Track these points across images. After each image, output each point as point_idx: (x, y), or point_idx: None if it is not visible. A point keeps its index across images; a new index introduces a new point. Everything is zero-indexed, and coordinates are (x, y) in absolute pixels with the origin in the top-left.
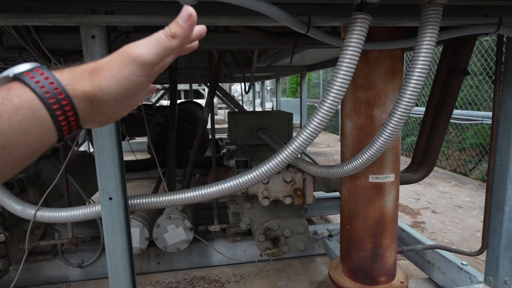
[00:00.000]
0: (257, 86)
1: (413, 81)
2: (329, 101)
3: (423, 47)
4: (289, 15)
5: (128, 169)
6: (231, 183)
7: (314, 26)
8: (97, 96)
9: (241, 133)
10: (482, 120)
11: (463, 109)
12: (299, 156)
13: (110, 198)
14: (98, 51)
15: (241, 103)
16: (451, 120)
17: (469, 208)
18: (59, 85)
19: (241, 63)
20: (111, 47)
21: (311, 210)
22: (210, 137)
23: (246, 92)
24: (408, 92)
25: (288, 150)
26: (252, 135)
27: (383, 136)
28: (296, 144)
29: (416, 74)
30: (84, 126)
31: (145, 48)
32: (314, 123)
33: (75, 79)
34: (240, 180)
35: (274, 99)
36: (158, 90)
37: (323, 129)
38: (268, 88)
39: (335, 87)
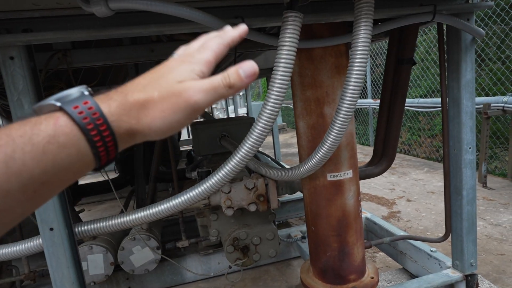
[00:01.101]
0: None
1: (354, 75)
2: (271, 102)
3: (359, 41)
4: (218, 20)
5: (94, 191)
6: (184, 197)
7: (252, 29)
8: (143, 133)
9: (204, 143)
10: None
11: (429, 97)
12: (260, 161)
13: (51, 229)
14: (19, 73)
15: (212, 112)
16: (419, 109)
17: (441, 192)
18: (106, 122)
19: None
20: (36, 67)
21: (287, 212)
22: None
23: None
24: (351, 87)
25: (239, 155)
26: (215, 144)
27: (333, 132)
28: (246, 147)
29: (355, 68)
30: None
31: (202, 95)
32: (260, 125)
33: (122, 115)
34: (196, 191)
35: (246, 104)
36: None
37: (269, 129)
38: (240, 93)
39: (275, 88)
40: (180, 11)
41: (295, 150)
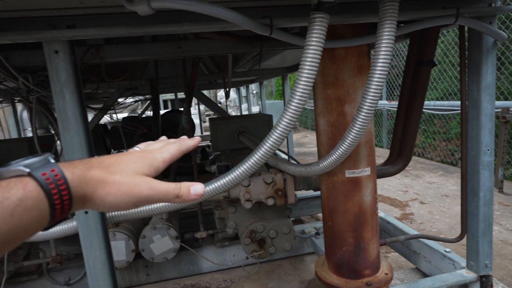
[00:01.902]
0: (243, 90)
1: (376, 76)
2: (295, 100)
3: (383, 42)
4: (249, 19)
5: None
6: (208, 188)
7: (279, 28)
8: (95, 203)
9: (222, 138)
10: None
11: (446, 100)
12: (279, 156)
13: (86, 212)
14: (63, 66)
15: (227, 109)
16: (435, 112)
17: (456, 196)
18: (68, 188)
19: (223, 68)
20: (77, 60)
21: (300, 209)
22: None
23: (226, 98)
24: (373, 87)
25: (261, 151)
26: (233, 140)
27: (353, 131)
28: (268, 144)
29: (378, 68)
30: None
31: (153, 193)
32: (284, 122)
33: (81, 183)
34: (216, 184)
35: (260, 102)
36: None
37: (292, 128)
38: (254, 92)
39: (300, 86)
40: (216, 11)
41: (307, 149)
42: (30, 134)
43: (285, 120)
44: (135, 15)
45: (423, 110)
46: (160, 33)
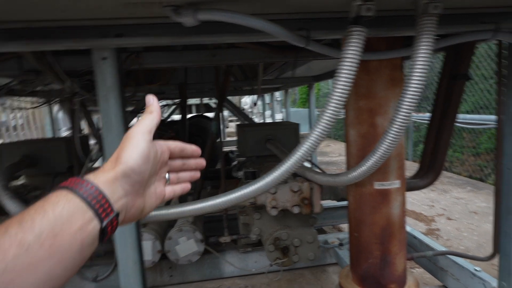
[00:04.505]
0: (267, 98)
1: (411, 89)
2: (330, 111)
3: (419, 56)
4: (287, 31)
5: None
6: (238, 193)
7: (314, 40)
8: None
9: (250, 145)
10: (495, 124)
11: (476, 114)
12: (307, 165)
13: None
14: (109, 71)
15: (251, 115)
16: (464, 125)
17: (486, 214)
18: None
19: (249, 76)
20: (121, 67)
21: (323, 219)
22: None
23: (254, 105)
24: (407, 100)
25: (292, 159)
26: (261, 146)
27: (385, 143)
28: (300, 153)
29: (413, 82)
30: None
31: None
32: (317, 132)
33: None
34: (246, 190)
35: (284, 110)
36: (169, 105)
37: (325, 137)
38: (278, 99)
39: (335, 97)
40: (257, 23)
41: (330, 158)
42: (63, 134)
43: (318, 130)
44: (179, 25)
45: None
46: (203, 42)
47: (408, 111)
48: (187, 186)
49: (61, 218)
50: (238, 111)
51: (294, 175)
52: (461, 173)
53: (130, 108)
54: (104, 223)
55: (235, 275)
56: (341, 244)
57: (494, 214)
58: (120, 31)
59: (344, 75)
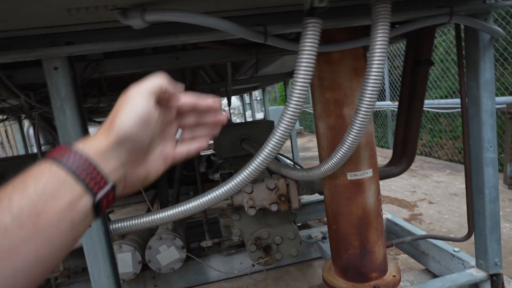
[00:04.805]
0: (247, 97)
1: (372, 77)
2: (293, 104)
3: (377, 44)
4: (243, 28)
5: None
6: (210, 196)
7: (273, 35)
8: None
9: (225, 146)
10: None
11: (450, 98)
12: (281, 162)
13: (89, 225)
14: (62, 82)
15: (231, 117)
16: (440, 110)
17: (465, 195)
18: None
19: (225, 77)
20: (77, 76)
21: (307, 214)
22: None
23: (228, 105)
24: (369, 88)
25: (261, 156)
26: (236, 147)
27: (352, 133)
28: (268, 149)
29: (373, 70)
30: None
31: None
32: (282, 127)
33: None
34: (219, 192)
35: (264, 108)
36: None
37: (290, 132)
38: (258, 98)
39: (296, 91)
40: (209, 21)
41: (313, 153)
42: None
43: (283, 124)
44: (130, 28)
45: (428, 109)
46: (157, 45)
47: (371, 99)
48: (203, 144)
49: (44, 195)
50: None
51: (270, 173)
52: (441, 157)
53: (100, 120)
54: (98, 197)
55: (221, 278)
56: (324, 238)
57: (466, 194)
58: (71, 39)
59: (303, 68)
